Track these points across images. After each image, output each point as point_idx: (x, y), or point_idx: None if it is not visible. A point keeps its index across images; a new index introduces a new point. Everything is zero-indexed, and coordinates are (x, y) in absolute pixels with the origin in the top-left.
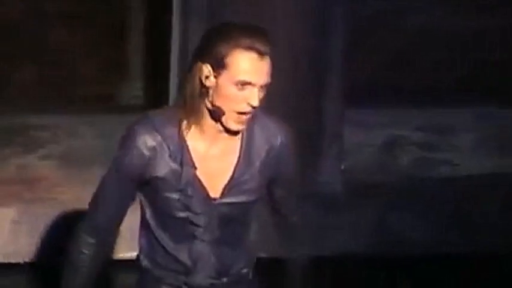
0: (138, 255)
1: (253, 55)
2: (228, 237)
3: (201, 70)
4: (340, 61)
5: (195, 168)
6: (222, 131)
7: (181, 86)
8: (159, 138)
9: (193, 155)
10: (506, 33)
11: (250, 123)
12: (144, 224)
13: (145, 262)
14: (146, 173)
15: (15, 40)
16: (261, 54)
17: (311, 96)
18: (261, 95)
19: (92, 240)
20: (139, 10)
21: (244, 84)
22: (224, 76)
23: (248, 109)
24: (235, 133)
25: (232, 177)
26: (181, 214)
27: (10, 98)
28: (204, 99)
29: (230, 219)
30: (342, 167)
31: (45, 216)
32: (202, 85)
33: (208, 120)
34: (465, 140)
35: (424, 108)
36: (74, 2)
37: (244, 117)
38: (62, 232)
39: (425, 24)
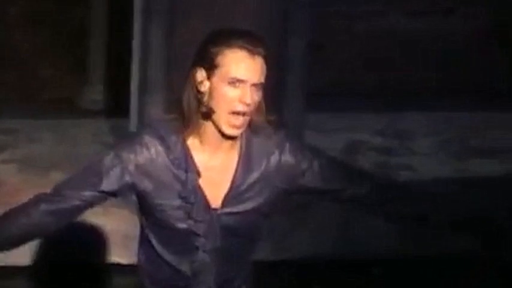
0: (138, 274)
1: (244, 53)
2: (230, 249)
3: (195, 76)
4: (300, 65)
5: (199, 175)
6: (221, 140)
7: (179, 98)
8: (164, 144)
9: (196, 164)
10: (467, 35)
11: (248, 133)
12: (143, 239)
13: (146, 282)
14: (146, 179)
15: None
16: (251, 52)
17: (271, 99)
18: (256, 95)
19: (44, 198)
20: (99, 12)
21: (236, 81)
22: (217, 76)
23: (241, 108)
24: (233, 140)
25: (231, 187)
26: (182, 224)
27: None
28: (200, 107)
29: (231, 231)
30: None
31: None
32: (198, 91)
33: (207, 130)
34: (424, 144)
35: (384, 112)
36: (34, 4)
37: (239, 119)
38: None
39: (385, 27)
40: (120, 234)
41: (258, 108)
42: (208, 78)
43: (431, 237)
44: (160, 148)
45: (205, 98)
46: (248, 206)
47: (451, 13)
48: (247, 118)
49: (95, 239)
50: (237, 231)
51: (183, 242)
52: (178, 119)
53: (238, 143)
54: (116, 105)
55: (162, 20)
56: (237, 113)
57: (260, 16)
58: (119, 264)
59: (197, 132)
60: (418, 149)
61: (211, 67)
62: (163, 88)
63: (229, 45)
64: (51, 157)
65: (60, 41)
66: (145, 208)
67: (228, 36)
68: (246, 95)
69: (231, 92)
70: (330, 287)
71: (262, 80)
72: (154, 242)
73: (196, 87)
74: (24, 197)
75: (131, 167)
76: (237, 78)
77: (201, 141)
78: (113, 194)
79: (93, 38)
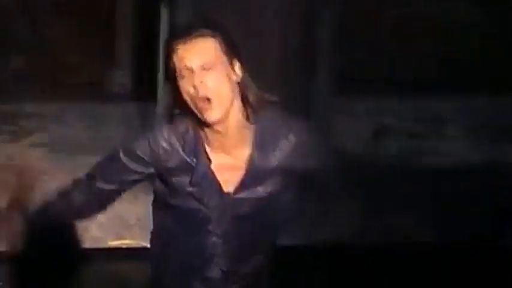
0: (150, 258)
1: (178, 44)
2: (242, 233)
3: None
4: (329, 49)
5: (210, 161)
6: (227, 127)
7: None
8: (176, 131)
9: (208, 149)
10: (493, 22)
11: (259, 118)
12: (156, 223)
13: (157, 266)
14: (159, 164)
15: (2, 29)
16: (185, 39)
17: (299, 84)
18: (212, 77)
19: (84, 179)
20: None
21: (182, 72)
22: (171, 66)
23: (194, 92)
24: (242, 125)
25: (246, 173)
26: (194, 209)
27: None
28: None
29: (245, 216)
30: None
31: (32, 203)
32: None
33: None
34: (453, 129)
35: (412, 96)
36: None
37: (205, 104)
38: (49, 221)
39: (416, 11)
40: (135, 217)
41: (243, 88)
42: (170, 73)
43: (455, 225)
44: (174, 137)
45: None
46: (262, 191)
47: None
48: (217, 102)
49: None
50: (250, 217)
51: (196, 226)
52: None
53: (251, 128)
54: (143, 89)
55: (189, 3)
56: (199, 99)
57: (289, 3)
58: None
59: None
60: (447, 133)
61: (173, 74)
62: None
63: (169, 46)
64: (79, 141)
65: (88, 26)
66: (160, 192)
67: (168, 46)
68: (194, 79)
69: (184, 83)
70: (351, 271)
71: (212, 59)
72: (167, 226)
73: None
74: (53, 180)
75: (152, 152)
76: (180, 68)
77: (207, 138)
78: (144, 176)
79: (121, 22)
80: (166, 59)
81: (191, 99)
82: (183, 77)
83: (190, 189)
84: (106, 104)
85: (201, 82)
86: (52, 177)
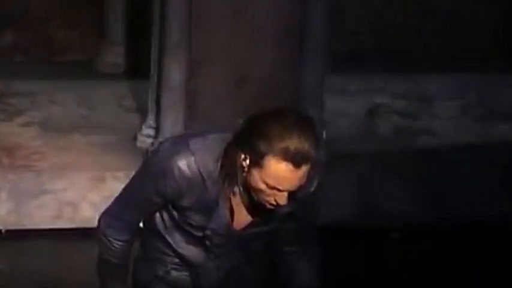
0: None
1: (289, 166)
2: (243, 256)
3: (239, 157)
4: (320, 27)
5: (230, 210)
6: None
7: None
8: (198, 172)
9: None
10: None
11: None
12: (151, 231)
13: (144, 273)
14: (178, 200)
15: None
16: (297, 165)
17: (290, 63)
18: (293, 192)
19: (123, 238)
20: None
21: (273, 188)
22: (257, 172)
23: (274, 205)
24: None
25: (253, 221)
26: (198, 233)
27: None
28: (240, 176)
29: (248, 243)
30: (324, 136)
31: (23, 182)
32: (240, 165)
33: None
34: (446, 108)
35: (404, 75)
36: None
37: (272, 206)
38: (41, 199)
39: None
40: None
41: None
42: (250, 166)
43: (448, 203)
44: (196, 178)
45: (245, 174)
46: (268, 227)
47: None
48: None
49: None
50: (253, 241)
51: (196, 243)
52: (219, 142)
53: None
54: (136, 67)
55: None
56: (271, 204)
57: None
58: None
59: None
60: (440, 112)
61: (254, 162)
62: (184, 50)
63: (276, 152)
64: (70, 119)
65: (79, 2)
66: (165, 212)
67: (278, 138)
68: (281, 200)
69: (267, 191)
70: (348, 253)
71: (303, 182)
72: (168, 238)
73: (239, 163)
74: (44, 160)
75: (172, 187)
76: (274, 187)
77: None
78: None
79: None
80: (261, 145)
81: (259, 196)
82: (270, 187)
83: (201, 223)
84: (98, 82)
85: (286, 201)
86: (43, 156)
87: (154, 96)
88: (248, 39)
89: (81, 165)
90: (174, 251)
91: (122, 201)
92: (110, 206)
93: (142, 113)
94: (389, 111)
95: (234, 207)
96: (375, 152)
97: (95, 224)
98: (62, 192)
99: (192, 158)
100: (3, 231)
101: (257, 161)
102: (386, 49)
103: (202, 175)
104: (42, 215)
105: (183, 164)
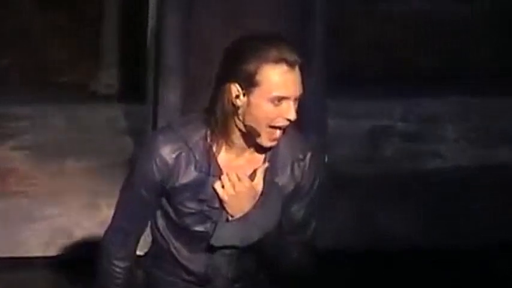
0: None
1: (284, 67)
2: (248, 247)
3: (229, 91)
4: (322, 50)
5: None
6: (248, 143)
7: (209, 105)
8: (184, 147)
9: (220, 165)
10: (488, 20)
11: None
12: (153, 233)
13: (153, 268)
14: (169, 182)
15: None
16: (291, 65)
17: None
18: (295, 107)
19: (123, 255)
20: None
21: (280, 99)
22: (257, 93)
23: (284, 123)
24: (264, 148)
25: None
26: (200, 227)
27: None
28: (235, 118)
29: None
30: (326, 160)
31: (16, 207)
32: (233, 105)
33: (237, 136)
34: (450, 130)
35: (404, 98)
36: None
37: (278, 132)
38: (33, 224)
39: (406, 11)
40: None
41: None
42: (245, 93)
43: (451, 226)
44: (183, 150)
45: (241, 112)
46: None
47: None
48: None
49: None
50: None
51: (199, 243)
52: (204, 119)
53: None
54: (131, 90)
55: (178, 2)
56: (278, 128)
57: (279, 1)
58: None
59: (227, 137)
60: (444, 135)
61: (249, 84)
62: (180, 72)
63: (267, 60)
64: (64, 143)
65: (74, 25)
66: (166, 206)
67: (261, 48)
68: (291, 111)
69: (274, 109)
70: (349, 278)
71: (302, 90)
72: (170, 240)
73: (231, 101)
74: (36, 184)
75: (159, 166)
76: (281, 96)
77: (228, 144)
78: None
79: (108, 21)
80: (248, 64)
81: (266, 124)
82: (275, 102)
83: (200, 207)
84: (92, 105)
85: (294, 113)
86: (35, 181)
87: (150, 118)
88: None
89: (74, 190)
90: (181, 265)
91: (118, 212)
92: (109, 223)
93: (137, 135)
94: (392, 134)
95: (228, 171)
96: (377, 174)
97: (88, 251)
98: (54, 218)
99: (173, 131)
100: None
101: (252, 82)
102: (388, 72)
103: (187, 144)
104: (34, 242)
105: (166, 138)
